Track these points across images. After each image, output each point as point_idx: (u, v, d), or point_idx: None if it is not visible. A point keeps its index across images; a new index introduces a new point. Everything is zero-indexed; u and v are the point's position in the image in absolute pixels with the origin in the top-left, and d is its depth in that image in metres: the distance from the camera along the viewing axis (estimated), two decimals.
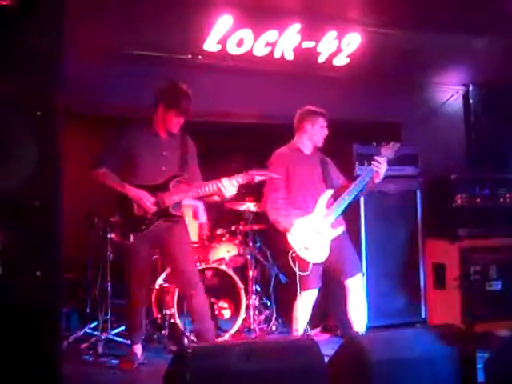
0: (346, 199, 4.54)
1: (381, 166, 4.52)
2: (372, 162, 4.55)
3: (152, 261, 4.93)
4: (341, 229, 4.59)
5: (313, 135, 4.73)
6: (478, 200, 5.80)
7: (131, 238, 4.25)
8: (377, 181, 4.57)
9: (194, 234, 5.42)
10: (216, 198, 4.36)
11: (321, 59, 5.70)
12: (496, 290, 5.62)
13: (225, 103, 5.65)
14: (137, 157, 4.31)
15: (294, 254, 4.44)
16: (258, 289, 5.68)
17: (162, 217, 4.31)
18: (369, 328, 5.04)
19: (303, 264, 4.44)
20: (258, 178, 4.25)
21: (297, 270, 4.40)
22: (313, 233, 4.50)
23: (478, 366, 3.38)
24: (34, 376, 2.58)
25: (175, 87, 4.33)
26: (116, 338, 5.07)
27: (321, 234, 4.50)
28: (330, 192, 4.62)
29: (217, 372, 2.85)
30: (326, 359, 3.17)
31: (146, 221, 4.28)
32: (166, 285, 5.30)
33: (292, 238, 4.47)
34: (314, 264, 4.45)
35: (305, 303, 4.58)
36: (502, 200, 5.76)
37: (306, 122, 4.72)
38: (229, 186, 4.19)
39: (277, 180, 4.56)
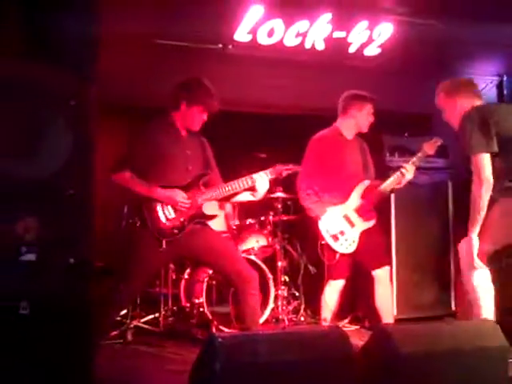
0: (381, 193, 4.51)
1: (407, 175, 4.45)
2: (401, 170, 4.46)
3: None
4: (372, 221, 4.55)
5: (359, 121, 4.63)
6: None
7: (164, 245, 3.98)
8: (397, 186, 4.52)
9: (221, 225, 5.42)
10: (248, 198, 4.28)
11: (352, 49, 5.66)
12: None
13: (255, 94, 5.65)
14: (161, 157, 4.07)
15: (323, 243, 4.43)
16: (287, 279, 5.69)
17: (195, 218, 4.09)
18: (399, 320, 5.02)
19: (331, 253, 4.43)
20: (285, 173, 4.20)
21: (324, 259, 4.39)
22: (344, 223, 4.47)
23: (509, 360, 3.35)
24: (66, 364, 2.61)
25: (199, 82, 4.14)
26: (145, 326, 5.12)
27: (352, 225, 4.48)
28: (366, 182, 4.57)
29: (246, 362, 2.85)
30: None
31: (178, 224, 4.04)
32: (194, 274, 5.33)
33: (323, 226, 4.45)
34: (341, 254, 4.44)
35: (331, 292, 4.56)
36: None
37: (352, 106, 4.63)
38: (261, 180, 4.09)
39: (312, 165, 4.53)
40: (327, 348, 2.99)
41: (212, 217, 4.19)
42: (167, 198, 4.00)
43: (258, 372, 2.84)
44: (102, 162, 3.98)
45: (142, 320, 5.16)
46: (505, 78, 6.62)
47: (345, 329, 4.71)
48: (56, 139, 2.69)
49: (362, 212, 4.51)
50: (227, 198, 4.30)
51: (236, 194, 4.19)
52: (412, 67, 5.99)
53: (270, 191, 5.54)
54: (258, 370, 2.85)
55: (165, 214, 4.02)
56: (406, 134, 5.81)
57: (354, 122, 4.65)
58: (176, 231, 4.01)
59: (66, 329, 2.65)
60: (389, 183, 4.48)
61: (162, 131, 4.16)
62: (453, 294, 5.66)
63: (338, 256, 4.42)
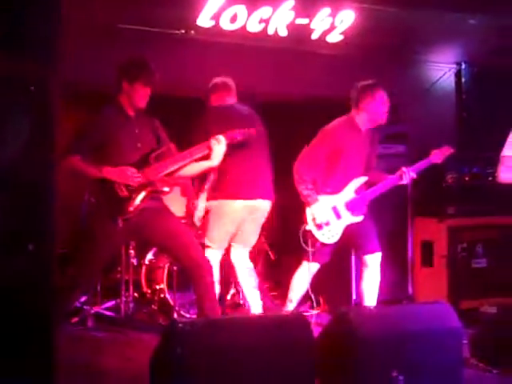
0: (377, 193, 4.60)
1: (407, 179, 4.55)
2: (403, 175, 4.56)
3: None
4: (360, 217, 4.57)
5: (375, 111, 4.55)
6: (467, 179, 5.86)
7: (120, 223, 3.96)
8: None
9: (180, 211, 5.37)
10: (205, 165, 4.19)
11: (314, 36, 5.69)
12: (482, 268, 5.70)
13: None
14: (110, 139, 4.07)
15: (306, 228, 4.46)
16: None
17: (148, 194, 4.06)
18: (356, 304, 5.11)
19: (312, 240, 4.46)
20: (239, 138, 4.16)
21: (304, 244, 4.44)
22: (331, 214, 4.50)
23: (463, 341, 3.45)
24: (28, 353, 2.59)
25: (134, 60, 4.19)
26: (106, 312, 5.10)
27: (339, 218, 4.51)
28: (363, 179, 4.59)
29: (207, 347, 2.88)
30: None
31: (131, 200, 4.00)
32: (155, 260, 5.33)
33: (310, 213, 4.47)
34: (321, 243, 4.48)
35: (304, 274, 4.61)
36: (490, 179, 5.80)
37: (366, 97, 4.55)
38: (217, 145, 4.06)
39: (317, 153, 4.53)
40: (287, 333, 3.04)
41: (166, 192, 4.16)
42: (117, 176, 3.98)
43: (218, 357, 2.86)
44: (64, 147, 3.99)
45: (103, 306, 5.14)
46: (463, 66, 6.72)
47: (305, 313, 4.78)
48: (16, 126, 2.65)
49: (351, 206, 4.54)
50: (185, 172, 4.23)
51: (193, 162, 4.14)
52: (373, 54, 6.05)
53: None
54: (218, 355, 2.87)
55: (117, 192, 3.99)
56: None
57: (370, 113, 4.57)
58: (131, 208, 3.99)
59: (27, 316, 2.63)
60: (383, 187, 4.59)
61: (109, 114, 4.17)
62: (410, 277, 5.78)
63: (318, 244, 4.46)
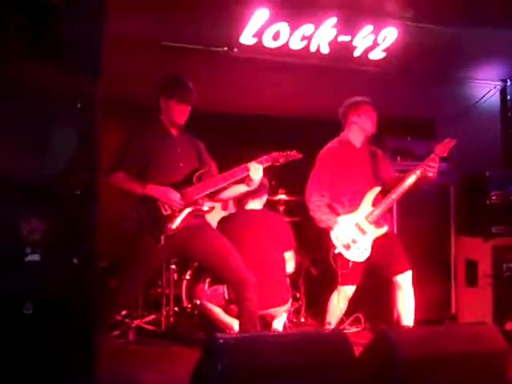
0: (392, 198, 4.51)
1: (432, 170, 4.45)
2: (426, 168, 4.45)
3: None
4: (385, 228, 4.55)
5: (362, 125, 4.68)
6: None
7: (162, 241, 4.01)
8: (430, 179, 4.51)
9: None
10: (243, 189, 4.26)
11: (357, 53, 5.67)
12: None
13: (260, 97, 5.66)
14: (152, 157, 4.12)
15: (335, 252, 4.44)
16: (288, 280, 5.70)
17: (191, 212, 4.10)
18: (397, 323, 5.04)
19: (343, 262, 4.44)
20: (281, 160, 4.19)
21: (336, 267, 4.42)
22: (355, 231, 4.48)
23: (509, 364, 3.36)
24: (70, 363, 2.63)
25: (169, 77, 4.25)
26: (147, 326, 5.14)
27: (364, 233, 4.49)
28: (377, 189, 4.59)
29: (248, 363, 2.87)
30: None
31: (174, 218, 4.05)
32: (195, 275, 5.35)
33: (334, 236, 4.46)
34: (354, 262, 4.44)
35: (341, 298, 4.57)
36: None
37: (351, 113, 4.69)
38: (255, 169, 4.09)
39: (322, 176, 4.56)
40: (328, 351, 3.01)
41: (209, 211, 4.21)
42: (161, 195, 4.03)
43: (258, 374, 2.86)
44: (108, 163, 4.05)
45: (144, 320, 5.18)
46: (509, 83, 6.63)
47: (346, 331, 4.74)
48: (62, 140, 2.72)
49: (373, 219, 4.52)
50: (225, 195, 4.30)
51: (232, 185, 4.19)
52: (415, 71, 6.01)
53: (272, 193, 5.60)
54: (258, 371, 2.87)
55: (161, 210, 4.04)
56: (408, 138, 5.83)
57: (358, 127, 4.69)
58: (173, 226, 4.04)
59: (70, 329, 2.67)
60: (400, 190, 4.48)
61: (152, 132, 4.22)
62: (454, 297, 5.69)
63: (350, 264, 4.43)
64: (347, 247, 4.45)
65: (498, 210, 5.66)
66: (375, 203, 4.56)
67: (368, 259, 4.52)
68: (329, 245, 4.47)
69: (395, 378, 3.03)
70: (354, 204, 4.56)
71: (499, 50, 6.09)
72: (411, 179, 4.46)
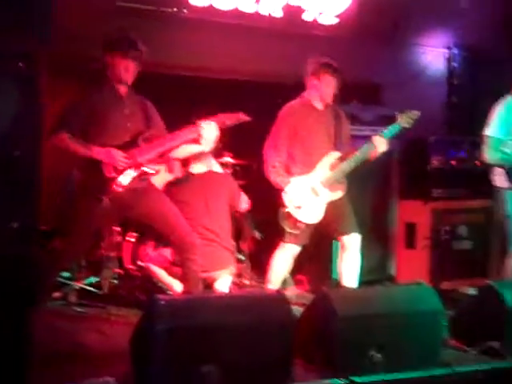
0: (351, 165, 4.50)
1: (380, 145, 4.44)
2: (371, 143, 4.44)
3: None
4: (339, 193, 4.56)
5: (320, 90, 4.54)
6: (454, 162, 5.88)
7: (105, 202, 3.93)
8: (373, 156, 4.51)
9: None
10: (196, 149, 4.21)
11: (308, 17, 5.67)
12: (464, 250, 5.75)
13: (210, 59, 5.60)
14: (98, 117, 4.02)
15: (286, 211, 4.45)
16: (232, 243, 5.72)
17: (136, 174, 4.03)
18: (337, 283, 5.13)
19: (294, 222, 4.45)
20: (228, 122, 4.10)
21: (285, 226, 4.43)
22: (309, 194, 4.48)
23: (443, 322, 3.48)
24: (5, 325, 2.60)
25: (116, 32, 4.15)
26: (89, 288, 5.10)
27: (317, 196, 4.50)
28: (335, 154, 4.56)
29: (187, 324, 2.89)
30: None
31: (118, 180, 3.96)
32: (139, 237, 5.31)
33: (286, 196, 4.45)
34: (305, 224, 4.47)
35: (285, 255, 4.60)
36: (476, 163, 5.84)
37: (312, 75, 4.54)
38: (208, 128, 4.01)
39: (280, 136, 4.52)
40: (268, 311, 3.06)
41: (154, 173, 4.14)
42: (105, 156, 3.94)
43: (198, 334, 2.89)
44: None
45: (86, 282, 5.13)
46: (454, 51, 6.72)
47: (287, 292, 4.80)
48: (2, 100, 2.64)
49: (328, 183, 4.51)
50: (174, 154, 4.23)
51: (184, 144, 4.12)
52: (364, 36, 6.04)
53: (218, 156, 5.57)
54: (198, 332, 2.90)
55: (105, 173, 3.96)
56: (355, 102, 5.85)
57: (316, 91, 4.57)
58: (117, 188, 3.97)
59: (8, 291, 2.63)
60: (359, 156, 4.47)
61: (99, 92, 4.12)
62: (393, 259, 5.82)
63: (300, 225, 4.45)
64: (299, 208, 4.46)
65: (439, 174, 5.79)
66: (333, 167, 4.55)
67: (319, 221, 4.53)
68: (279, 205, 4.47)
69: (333, 335, 3.10)
70: (310, 165, 4.53)
71: (446, 18, 6.17)
72: (371, 147, 4.46)
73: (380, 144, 4.44)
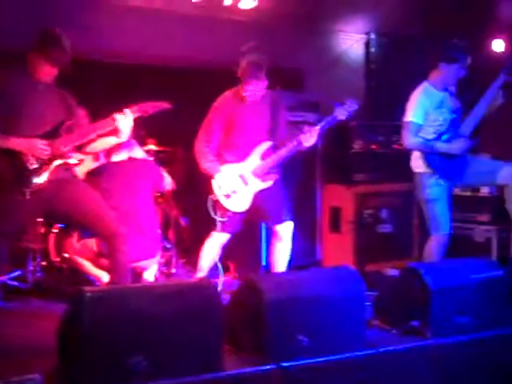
0: (283, 155, 4.52)
1: (310, 140, 4.49)
2: (304, 138, 4.47)
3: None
4: (270, 182, 4.58)
5: (255, 88, 4.48)
6: (374, 146, 6.02)
7: (28, 195, 3.81)
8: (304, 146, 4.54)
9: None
10: (113, 141, 4.11)
11: (227, 2, 5.67)
12: (387, 233, 5.92)
13: (128, 44, 5.53)
14: (16, 108, 3.87)
15: (214, 199, 4.47)
16: (159, 231, 5.69)
17: (58, 165, 3.93)
18: (266, 269, 5.21)
19: (222, 210, 4.48)
20: (150, 111, 4.05)
21: (214, 214, 4.45)
22: (238, 182, 4.51)
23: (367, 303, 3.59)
24: None
25: (45, 33, 3.94)
26: (12, 282, 4.99)
27: (246, 185, 4.52)
28: (267, 144, 4.58)
29: (116, 315, 2.87)
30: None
31: (40, 172, 3.87)
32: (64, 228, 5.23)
33: (216, 184, 4.48)
34: (232, 212, 4.49)
35: (214, 244, 4.63)
36: (396, 147, 6.00)
37: (248, 74, 4.44)
38: (123, 119, 3.94)
39: (213, 127, 4.52)
40: (196, 300, 3.07)
41: (77, 163, 4.09)
42: (26, 147, 3.84)
43: (126, 326, 2.87)
44: None
45: (9, 276, 5.02)
46: (372, 36, 6.84)
47: (216, 279, 4.83)
48: None
49: (259, 173, 4.54)
50: (94, 147, 4.14)
51: (101, 137, 4.04)
52: (286, 22, 6.08)
53: (141, 143, 5.52)
54: (126, 322, 2.88)
55: (26, 164, 3.85)
56: (278, 88, 5.90)
57: (252, 88, 4.50)
58: (39, 180, 3.87)
59: None
60: (290, 151, 4.52)
61: (18, 80, 3.98)
62: (318, 243, 5.94)
63: (228, 213, 4.48)
64: (227, 196, 4.49)
65: (361, 158, 5.92)
66: (264, 157, 4.58)
67: (250, 209, 4.56)
68: (208, 192, 4.49)
69: (260, 322, 3.14)
70: (244, 155, 4.56)
71: (364, 5, 6.28)
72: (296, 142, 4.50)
73: (312, 138, 4.51)
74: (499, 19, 6.09)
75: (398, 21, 6.43)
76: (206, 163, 4.51)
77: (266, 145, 4.59)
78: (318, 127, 4.55)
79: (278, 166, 4.65)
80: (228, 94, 4.63)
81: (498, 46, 6.31)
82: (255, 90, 4.50)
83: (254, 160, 4.56)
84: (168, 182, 5.09)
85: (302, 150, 4.61)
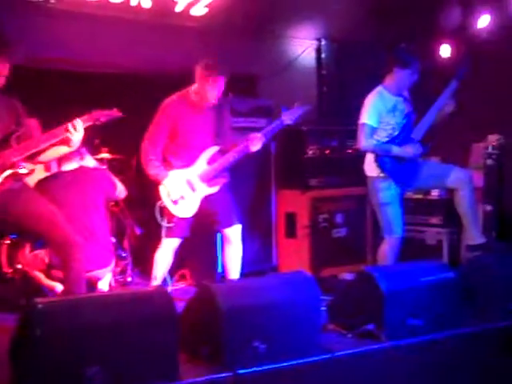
0: (230, 161, 4.56)
1: (256, 144, 4.54)
2: (252, 142, 4.53)
3: None
4: (216, 188, 4.59)
5: (206, 91, 4.48)
6: (328, 151, 6.07)
7: None
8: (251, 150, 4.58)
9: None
10: (64, 150, 4.06)
11: (178, 8, 5.66)
12: (342, 237, 5.97)
13: (78, 51, 5.46)
14: None
15: (162, 205, 4.45)
16: (113, 240, 5.64)
17: (9, 175, 3.86)
18: (222, 276, 5.20)
19: (169, 216, 4.47)
20: (102, 119, 4.03)
21: (161, 220, 4.45)
22: (185, 188, 4.50)
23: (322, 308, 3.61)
24: None
25: None
26: None
27: (194, 190, 4.52)
28: (214, 149, 4.59)
29: (68, 327, 2.83)
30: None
31: None
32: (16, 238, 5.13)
33: (163, 190, 4.47)
34: (178, 218, 4.49)
35: (166, 251, 4.61)
36: (349, 151, 6.07)
37: (201, 75, 4.47)
38: (74, 129, 3.90)
39: (160, 131, 4.50)
40: (150, 308, 3.05)
41: (28, 173, 4.00)
42: None
43: (81, 336, 2.83)
44: None
45: None
46: (323, 42, 6.91)
47: (172, 287, 4.82)
48: None
49: (206, 177, 4.55)
50: (45, 156, 4.09)
51: (52, 146, 3.99)
52: (237, 28, 6.10)
53: (95, 152, 5.47)
54: (81, 333, 2.84)
55: None
56: (230, 94, 5.91)
57: (203, 92, 4.52)
58: None
59: None
60: (237, 155, 4.55)
61: None
62: (275, 249, 5.96)
63: (175, 219, 4.47)
64: (175, 202, 4.48)
65: (315, 163, 5.96)
66: (211, 162, 4.58)
67: (197, 214, 4.57)
68: (156, 199, 4.48)
69: (216, 330, 3.14)
70: (190, 160, 4.55)
71: (314, 11, 6.34)
72: (243, 146, 4.55)
73: (259, 143, 4.56)
74: (444, 25, 6.21)
75: (349, 27, 6.52)
76: (152, 169, 4.50)
77: (212, 150, 4.60)
78: (260, 134, 4.60)
79: (225, 171, 4.67)
80: (174, 97, 4.62)
81: (444, 51, 6.43)
82: (210, 94, 4.50)
83: (201, 165, 4.57)
84: (121, 190, 5.05)
85: (250, 155, 4.66)
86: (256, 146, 4.56)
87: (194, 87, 4.57)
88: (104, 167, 5.40)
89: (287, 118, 4.62)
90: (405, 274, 3.81)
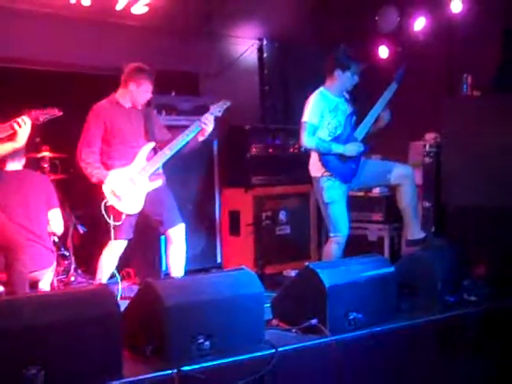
0: (167, 154, 4.61)
1: (208, 124, 4.60)
2: (200, 119, 4.61)
3: None
4: (159, 182, 4.65)
5: (135, 97, 4.64)
6: (271, 150, 6.12)
7: None
8: (201, 139, 4.68)
9: None
10: (9, 147, 4.03)
11: (119, 7, 5.62)
12: (286, 234, 6.03)
13: (15, 48, 5.37)
14: None
15: (107, 204, 4.44)
16: (56, 240, 5.56)
17: None
18: (166, 274, 5.19)
19: (116, 214, 4.47)
20: (41, 119, 4.03)
21: (109, 219, 4.45)
22: (128, 184, 4.52)
23: (265, 304, 3.64)
24: None
25: None
26: None
27: (137, 186, 4.54)
28: (150, 145, 4.65)
29: (8, 327, 2.78)
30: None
31: None
32: None
33: (107, 188, 4.47)
34: (127, 215, 4.49)
35: (112, 252, 4.63)
36: (291, 150, 6.13)
37: (131, 81, 4.60)
38: (22, 125, 3.90)
39: (93, 134, 4.54)
40: (93, 307, 3.02)
41: None
42: None
43: (21, 336, 2.79)
44: None
45: None
46: (265, 42, 6.97)
47: (115, 285, 4.78)
48: None
49: (146, 173, 4.58)
50: None
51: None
52: (179, 27, 6.09)
53: (36, 151, 5.39)
54: (20, 334, 2.80)
55: None
56: (172, 93, 5.91)
57: (130, 96, 4.65)
58: None
59: None
60: (176, 144, 4.60)
61: None
62: (219, 247, 5.98)
63: (123, 216, 4.48)
64: (119, 199, 4.49)
65: (258, 161, 6.01)
66: (149, 158, 4.62)
67: (141, 214, 4.60)
68: (100, 198, 4.48)
69: (160, 326, 3.13)
70: (128, 159, 4.59)
71: (256, 11, 6.38)
72: (187, 136, 4.62)
73: (186, 138, 4.63)
74: (381, 27, 6.34)
75: (290, 27, 6.58)
76: (93, 170, 4.52)
77: (149, 146, 4.67)
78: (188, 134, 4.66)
79: (163, 166, 4.72)
80: (103, 102, 4.70)
81: (383, 52, 6.56)
82: (140, 98, 4.64)
83: (140, 162, 4.61)
84: (58, 224, 4.97)
85: (186, 152, 4.74)
86: (209, 123, 4.62)
87: (120, 91, 4.67)
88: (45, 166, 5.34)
89: (215, 111, 4.71)
90: (346, 270, 3.86)
